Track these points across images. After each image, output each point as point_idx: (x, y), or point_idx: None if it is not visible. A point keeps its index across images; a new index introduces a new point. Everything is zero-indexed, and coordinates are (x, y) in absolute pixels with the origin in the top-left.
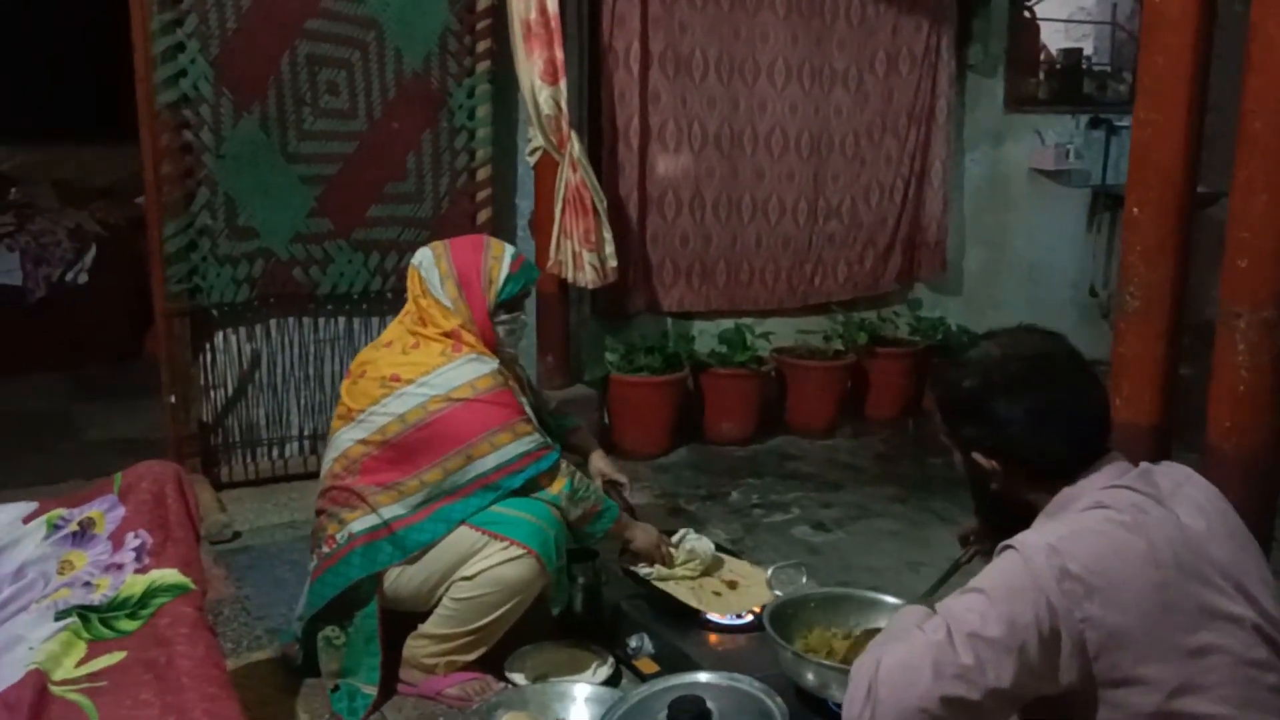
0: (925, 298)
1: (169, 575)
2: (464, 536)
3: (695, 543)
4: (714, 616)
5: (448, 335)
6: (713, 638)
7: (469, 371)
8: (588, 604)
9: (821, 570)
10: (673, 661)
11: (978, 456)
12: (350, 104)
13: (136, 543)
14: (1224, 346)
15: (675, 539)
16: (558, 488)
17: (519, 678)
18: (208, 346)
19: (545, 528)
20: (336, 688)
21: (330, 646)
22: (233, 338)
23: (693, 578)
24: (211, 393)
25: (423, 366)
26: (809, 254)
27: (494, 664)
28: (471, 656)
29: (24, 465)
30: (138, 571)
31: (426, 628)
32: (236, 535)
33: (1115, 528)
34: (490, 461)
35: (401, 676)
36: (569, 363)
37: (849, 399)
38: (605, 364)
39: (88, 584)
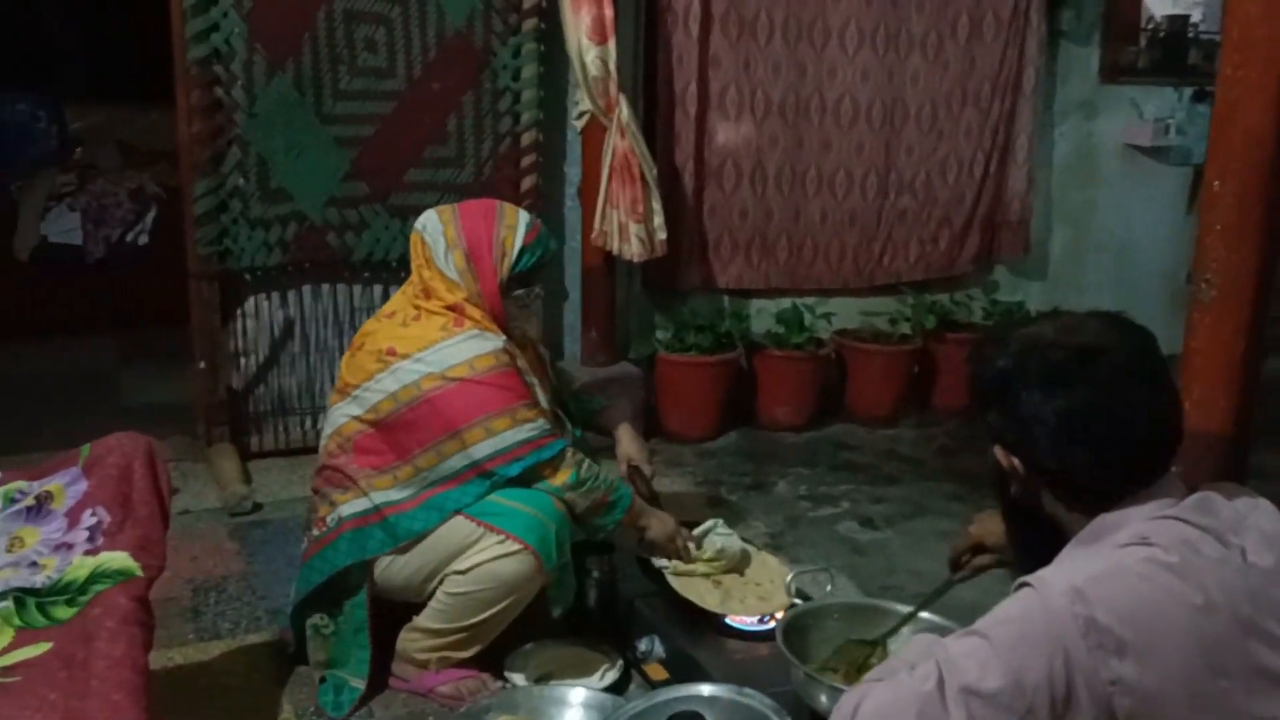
0: (1004, 280)
1: (117, 559)
2: (458, 527)
3: (723, 540)
4: (732, 620)
5: (451, 309)
6: (730, 644)
7: (469, 349)
8: (601, 601)
9: (863, 572)
10: (683, 669)
11: (999, 451)
12: (388, 62)
13: (92, 521)
14: None
15: (700, 531)
16: (561, 479)
17: (519, 678)
18: (239, 312)
19: (546, 522)
20: (324, 679)
21: (318, 635)
22: (264, 304)
23: (713, 575)
24: (242, 359)
25: (420, 341)
26: (878, 231)
27: (495, 660)
28: (467, 654)
29: (57, 428)
30: (87, 553)
31: (420, 621)
32: (258, 507)
33: (1159, 571)
34: (485, 448)
35: (394, 670)
36: (614, 339)
37: (914, 386)
38: (653, 342)
39: (34, 564)
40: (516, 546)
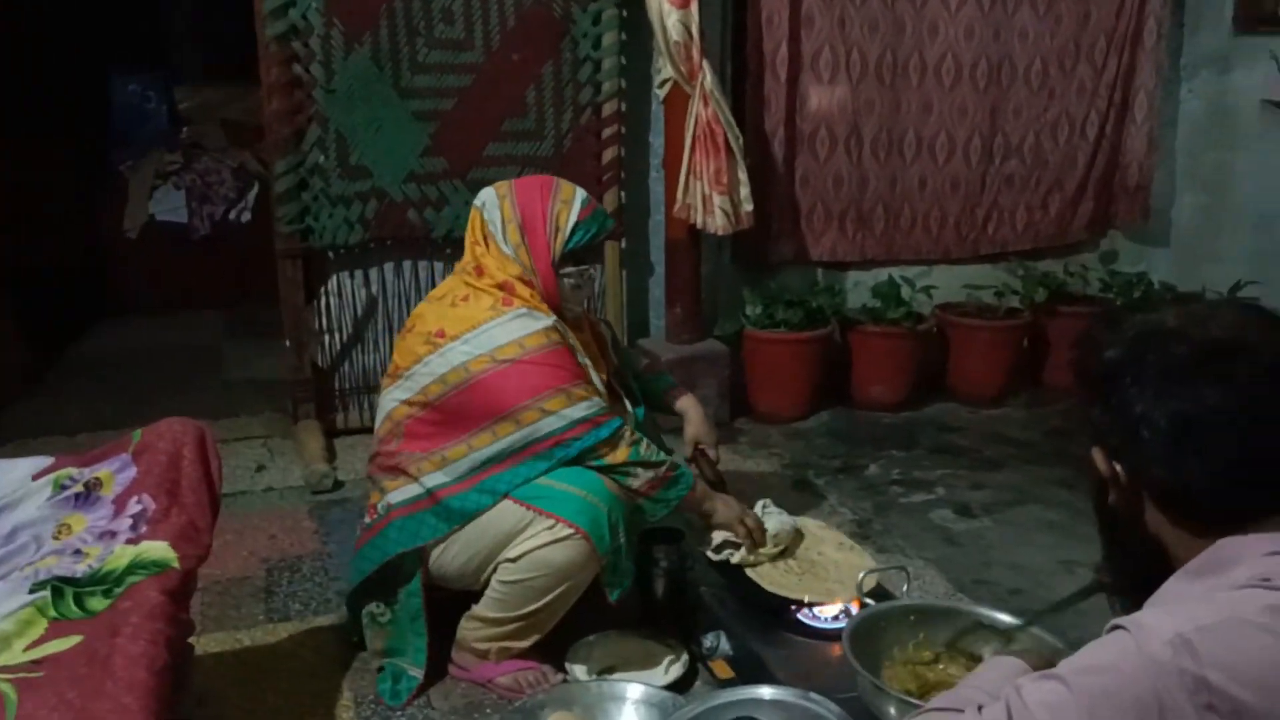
0: (1125, 249)
1: (156, 549)
2: (508, 512)
3: (776, 519)
4: (805, 618)
5: (500, 287)
6: (800, 643)
7: (517, 328)
8: (668, 591)
9: (954, 565)
10: (749, 667)
11: (1098, 454)
12: (466, 34)
13: (137, 509)
14: None
15: (756, 511)
16: (621, 456)
17: (580, 671)
18: (323, 290)
19: (597, 504)
20: (382, 668)
21: (375, 624)
22: (348, 281)
23: (772, 555)
24: (327, 337)
25: (468, 321)
26: (982, 198)
27: (559, 651)
28: (526, 643)
29: (163, 402)
30: (129, 541)
31: (477, 610)
32: (339, 485)
33: None
34: (542, 428)
35: (454, 659)
36: (700, 316)
37: (1023, 363)
38: (740, 318)
39: (78, 551)
40: (568, 531)
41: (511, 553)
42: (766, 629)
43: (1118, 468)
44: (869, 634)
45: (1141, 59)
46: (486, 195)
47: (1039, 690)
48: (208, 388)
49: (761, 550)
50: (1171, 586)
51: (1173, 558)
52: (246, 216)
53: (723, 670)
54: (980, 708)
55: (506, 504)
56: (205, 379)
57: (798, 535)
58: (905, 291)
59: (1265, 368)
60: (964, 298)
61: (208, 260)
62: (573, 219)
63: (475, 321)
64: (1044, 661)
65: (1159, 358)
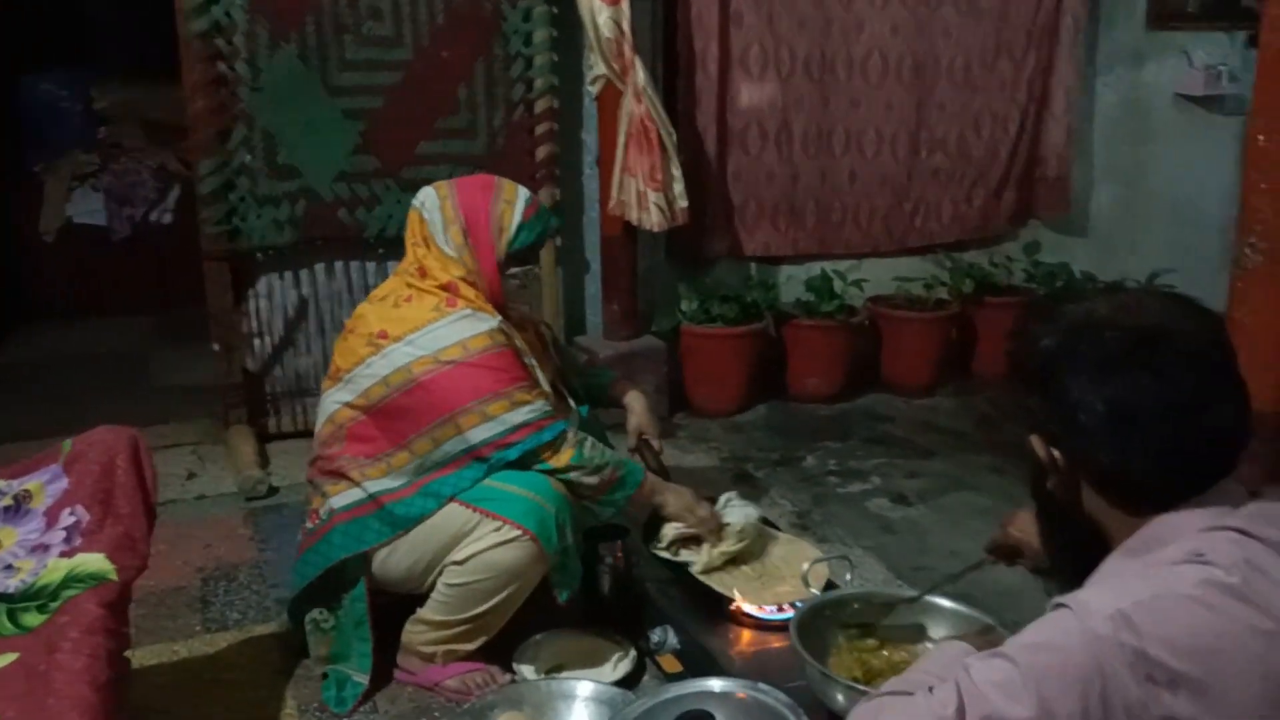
0: (1047, 240)
1: (92, 561)
2: (454, 515)
3: (740, 512)
4: (750, 609)
5: (444, 288)
6: (746, 635)
7: (462, 329)
8: (614, 588)
9: (892, 553)
10: (697, 661)
11: (1037, 441)
12: (395, 31)
13: (70, 520)
14: None
15: (718, 506)
16: (563, 461)
17: (528, 670)
18: (252, 292)
19: (544, 504)
20: (326, 675)
21: (318, 630)
22: (277, 283)
23: (736, 552)
24: (257, 341)
25: (411, 323)
26: (909, 192)
27: (505, 651)
28: (472, 645)
29: (88, 410)
30: (64, 554)
31: (423, 613)
32: (274, 491)
33: (1218, 594)
34: (481, 433)
35: (400, 663)
36: (636, 312)
37: (953, 353)
38: (677, 313)
39: (9, 567)
40: (515, 533)
41: (458, 555)
42: (713, 622)
43: (1056, 454)
44: (815, 624)
45: (1059, 54)
46: (426, 195)
47: (987, 669)
48: (133, 394)
49: (719, 548)
50: (1110, 564)
51: (1110, 537)
52: (168, 218)
53: (671, 665)
54: (931, 689)
55: (453, 506)
56: (130, 385)
57: (763, 534)
58: (837, 285)
59: (1187, 353)
60: (894, 290)
61: (129, 263)
62: (516, 219)
63: (419, 322)
64: (989, 645)
65: (1092, 346)
